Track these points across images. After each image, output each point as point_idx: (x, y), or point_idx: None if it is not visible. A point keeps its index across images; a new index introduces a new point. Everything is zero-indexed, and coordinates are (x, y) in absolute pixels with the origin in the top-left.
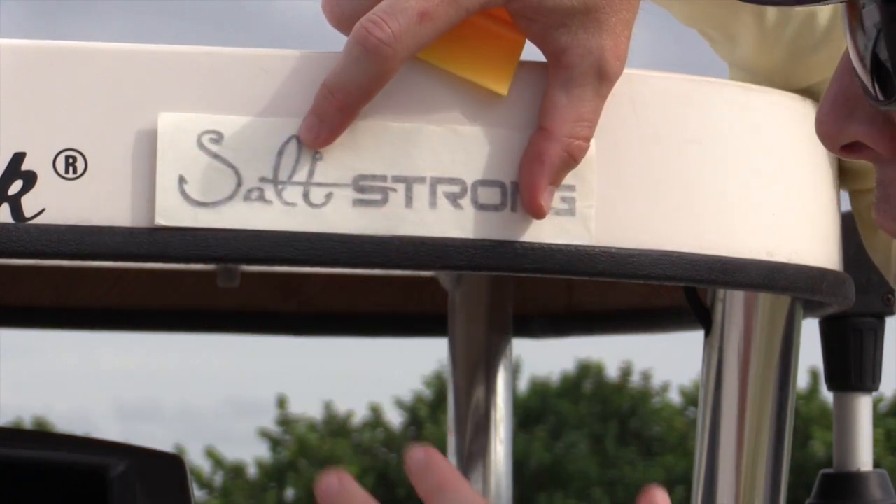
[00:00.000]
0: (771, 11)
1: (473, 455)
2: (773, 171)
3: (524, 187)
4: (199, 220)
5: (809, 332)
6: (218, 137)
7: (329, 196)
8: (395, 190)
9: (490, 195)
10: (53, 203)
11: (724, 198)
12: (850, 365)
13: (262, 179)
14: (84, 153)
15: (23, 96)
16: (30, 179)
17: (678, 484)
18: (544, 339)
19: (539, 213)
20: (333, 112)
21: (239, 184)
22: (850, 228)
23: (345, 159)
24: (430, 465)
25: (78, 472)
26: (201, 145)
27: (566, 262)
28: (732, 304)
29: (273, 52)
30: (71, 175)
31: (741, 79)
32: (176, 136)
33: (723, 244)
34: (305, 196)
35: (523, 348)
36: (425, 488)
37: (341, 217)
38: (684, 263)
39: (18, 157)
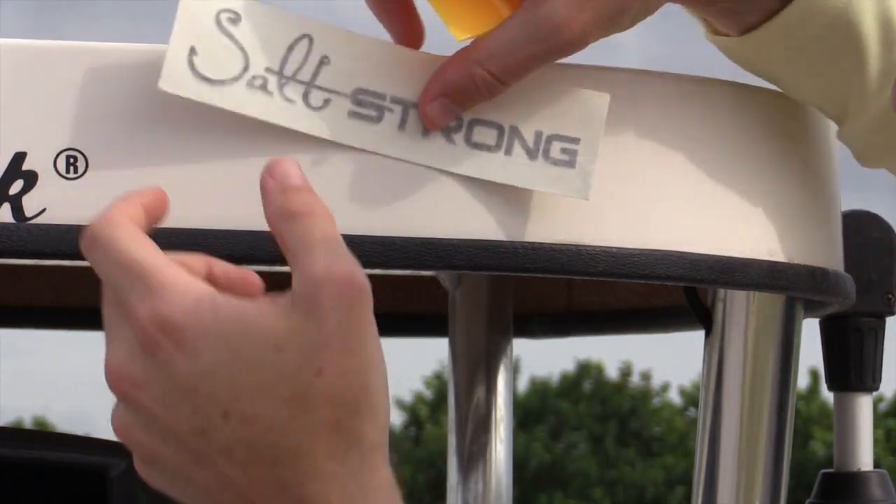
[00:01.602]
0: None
1: (473, 455)
2: (773, 171)
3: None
4: (200, 94)
5: (809, 332)
6: (235, 17)
7: (327, 102)
8: (391, 110)
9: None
10: (54, 203)
11: (725, 197)
12: (850, 365)
13: (268, 70)
14: (85, 153)
15: (24, 96)
16: (31, 179)
17: (678, 484)
18: (544, 339)
19: (426, 119)
20: None
21: (245, 68)
22: (850, 228)
23: (349, 69)
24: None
25: (78, 472)
26: (218, 22)
27: (566, 262)
28: (732, 304)
29: None
30: (72, 175)
31: None
32: (196, 7)
33: (723, 244)
34: (305, 96)
35: (523, 348)
36: (275, 211)
37: (335, 125)
38: (684, 263)
39: (19, 157)
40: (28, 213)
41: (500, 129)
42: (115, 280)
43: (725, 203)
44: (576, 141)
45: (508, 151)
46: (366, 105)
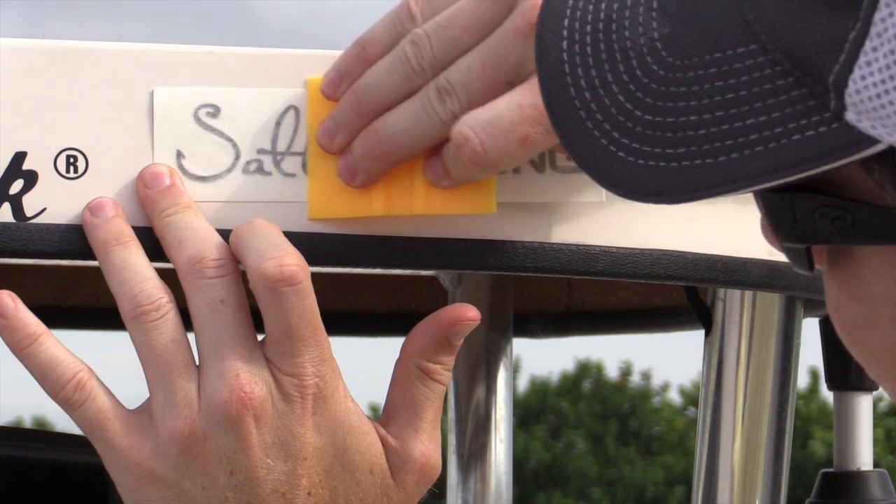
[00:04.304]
0: None
1: (473, 455)
2: None
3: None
4: (198, 194)
5: (809, 332)
6: (214, 111)
7: None
8: None
9: None
10: (54, 202)
11: (724, 197)
12: (850, 364)
13: (261, 151)
14: (85, 153)
15: (24, 96)
16: (31, 179)
17: (678, 484)
18: (544, 338)
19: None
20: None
21: (237, 156)
22: None
23: None
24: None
25: (78, 472)
26: (198, 119)
27: (566, 261)
28: (732, 304)
29: (273, 50)
30: (72, 174)
31: None
32: (172, 112)
33: (723, 244)
34: (304, 166)
35: (523, 348)
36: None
37: None
38: (684, 263)
39: (20, 157)
40: (28, 213)
41: None
42: None
43: (725, 203)
44: None
45: (517, 169)
46: None
